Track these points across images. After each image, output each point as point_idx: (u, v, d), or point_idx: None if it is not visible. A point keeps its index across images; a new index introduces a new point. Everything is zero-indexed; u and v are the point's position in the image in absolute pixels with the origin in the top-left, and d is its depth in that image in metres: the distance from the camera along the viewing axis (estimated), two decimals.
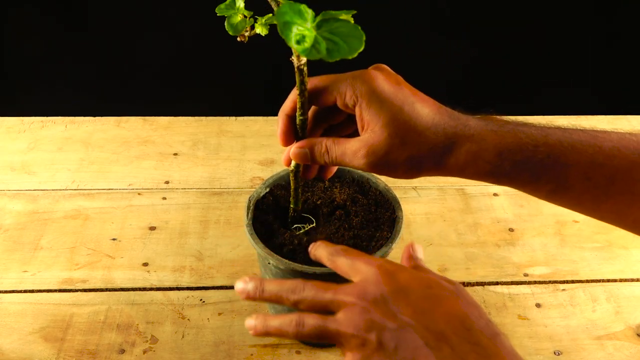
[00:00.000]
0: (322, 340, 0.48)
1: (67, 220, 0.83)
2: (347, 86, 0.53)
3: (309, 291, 0.49)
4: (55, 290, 0.73)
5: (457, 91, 1.44)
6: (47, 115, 1.01)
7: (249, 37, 0.55)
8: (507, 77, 1.50)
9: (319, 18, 0.46)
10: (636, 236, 0.57)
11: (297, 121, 0.56)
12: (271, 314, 0.49)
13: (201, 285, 0.74)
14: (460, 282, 0.75)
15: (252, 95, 1.46)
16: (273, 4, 0.49)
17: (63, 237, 0.80)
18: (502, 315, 0.72)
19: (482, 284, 0.76)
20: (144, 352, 0.67)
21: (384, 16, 1.39)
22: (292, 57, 0.51)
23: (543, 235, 0.82)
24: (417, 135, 0.52)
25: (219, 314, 0.71)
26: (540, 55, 1.49)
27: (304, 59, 0.51)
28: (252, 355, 0.67)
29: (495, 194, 0.88)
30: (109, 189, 0.88)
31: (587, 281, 0.76)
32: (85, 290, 0.74)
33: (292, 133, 0.57)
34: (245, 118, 1.01)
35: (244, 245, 0.79)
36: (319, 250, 0.55)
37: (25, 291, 0.73)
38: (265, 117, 1.01)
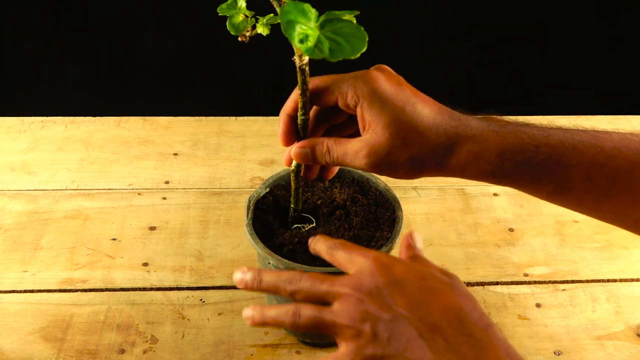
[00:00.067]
0: (318, 330, 0.48)
1: (67, 220, 0.83)
2: (349, 86, 0.53)
3: (306, 282, 0.50)
4: (55, 290, 0.73)
5: (460, 93, 1.44)
6: (47, 115, 1.01)
7: (249, 37, 0.55)
8: (510, 80, 1.50)
9: (322, 18, 0.46)
10: (636, 236, 0.57)
11: (299, 121, 0.56)
12: (268, 305, 0.50)
13: (201, 285, 0.74)
14: None
15: (252, 95, 1.46)
16: (275, 4, 0.49)
17: (63, 237, 0.80)
18: (502, 315, 0.72)
19: (482, 284, 0.76)
20: (144, 352, 0.67)
21: (387, 17, 1.39)
22: (294, 57, 0.51)
23: (543, 235, 0.82)
24: (418, 136, 0.52)
25: (219, 314, 0.71)
26: (543, 58, 1.49)
27: (306, 59, 0.51)
28: (252, 355, 0.67)
29: (495, 194, 0.88)
30: (109, 189, 0.88)
31: (587, 281, 0.76)
32: (85, 290, 0.74)
33: (294, 133, 0.57)
34: (245, 118, 1.01)
35: (244, 245, 0.79)
36: (318, 244, 0.55)
37: (25, 291, 0.73)
38: (265, 117, 1.01)
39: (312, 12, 0.45)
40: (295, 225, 0.65)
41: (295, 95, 0.55)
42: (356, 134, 0.55)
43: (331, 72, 0.54)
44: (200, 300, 0.73)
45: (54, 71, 1.46)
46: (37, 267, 0.76)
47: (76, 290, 0.74)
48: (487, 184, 0.56)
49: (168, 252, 0.78)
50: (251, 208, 0.65)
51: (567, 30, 1.45)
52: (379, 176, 0.69)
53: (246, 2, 0.53)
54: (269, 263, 0.61)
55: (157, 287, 0.74)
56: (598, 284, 0.76)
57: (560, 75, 1.51)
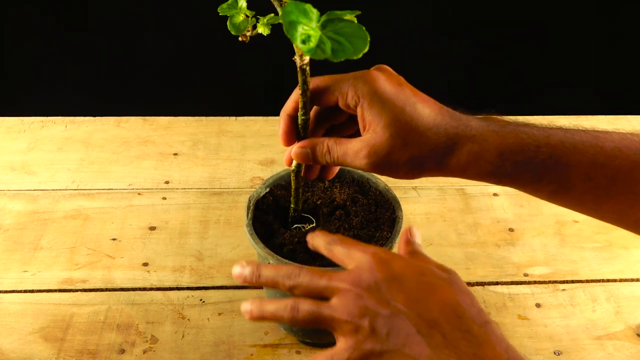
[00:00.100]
0: (316, 325, 0.48)
1: (67, 220, 0.83)
2: (349, 86, 0.53)
3: (304, 277, 0.49)
4: (55, 290, 0.73)
5: (459, 92, 1.45)
6: (47, 115, 1.01)
7: (250, 37, 0.55)
8: (510, 78, 1.50)
9: (323, 18, 0.46)
10: (636, 236, 0.57)
11: (299, 121, 0.56)
12: (267, 299, 0.50)
13: (201, 285, 0.74)
14: None
15: (252, 95, 1.46)
16: (276, 4, 0.49)
17: (63, 237, 0.80)
18: (502, 315, 0.72)
19: (482, 284, 0.76)
20: (144, 352, 0.67)
21: (386, 16, 1.39)
22: (295, 57, 0.51)
23: (543, 235, 0.82)
24: (418, 136, 0.52)
25: (219, 314, 0.71)
26: (542, 56, 1.49)
27: (306, 59, 0.51)
28: (252, 355, 0.67)
29: (495, 194, 0.88)
30: (109, 189, 0.88)
31: (587, 281, 0.76)
32: (85, 290, 0.74)
33: (294, 133, 0.57)
34: (245, 118, 1.01)
35: (244, 245, 0.79)
36: (316, 240, 0.55)
37: (25, 291, 0.73)
38: (265, 117, 1.01)
39: (314, 13, 0.45)
40: (295, 225, 0.65)
41: (295, 95, 0.55)
42: (357, 134, 0.55)
43: (331, 72, 0.54)
44: (200, 300, 0.73)
45: (54, 71, 1.46)
46: (37, 267, 0.76)
47: (76, 290, 0.73)
48: (487, 184, 0.56)
49: (168, 252, 0.78)
50: (251, 208, 0.65)
51: (566, 28, 1.46)
52: (379, 176, 0.69)
53: (247, 2, 0.53)
54: (268, 263, 0.61)
55: (157, 287, 0.74)
56: (598, 284, 0.76)
57: (560, 74, 1.51)
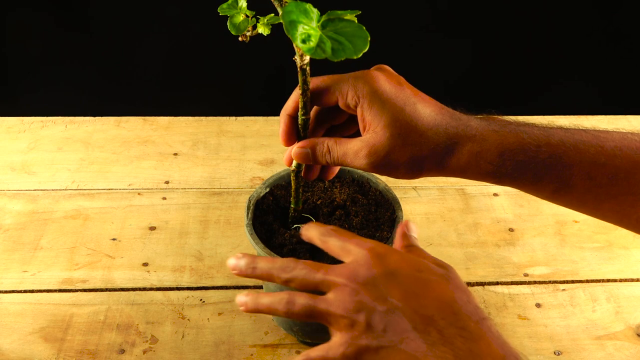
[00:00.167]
0: (311, 319, 0.48)
1: (67, 220, 0.83)
2: (349, 86, 0.53)
3: (300, 270, 0.49)
4: (55, 290, 0.73)
5: (458, 91, 1.45)
6: (47, 115, 1.01)
7: (250, 36, 0.55)
8: (509, 78, 1.50)
9: (324, 17, 0.46)
10: (636, 236, 0.57)
11: (299, 121, 0.56)
12: (262, 292, 0.50)
13: (201, 285, 0.74)
14: None
15: (252, 95, 1.46)
16: (277, 4, 0.49)
17: (63, 237, 0.80)
18: (502, 315, 0.72)
19: (482, 284, 0.76)
20: (144, 352, 0.67)
21: (387, 16, 1.39)
22: (295, 57, 0.51)
23: (543, 235, 0.82)
24: (418, 136, 0.52)
25: (219, 314, 0.71)
26: (542, 56, 1.49)
27: (307, 59, 0.51)
28: (252, 355, 0.67)
29: (495, 194, 0.88)
30: (109, 189, 0.88)
31: (587, 281, 0.76)
32: (85, 290, 0.74)
33: (294, 133, 0.57)
34: (245, 118, 1.01)
35: (244, 245, 0.79)
36: (311, 231, 0.54)
37: (25, 291, 0.73)
38: (265, 117, 1.01)
39: (314, 12, 0.45)
40: (295, 225, 0.65)
41: (295, 96, 0.55)
42: (357, 134, 0.55)
43: (332, 72, 0.54)
44: (200, 300, 0.73)
45: (54, 71, 1.46)
46: (37, 267, 0.76)
47: (76, 290, 0.73)
48: (487, 184, 0.56)
49: (168, 252, 0.78)
50: (251, 208, 0.65)
51: (566, 27, 1.45)
52: (379, 176, 0.69)
53: (247, 1, 0.53)
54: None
55: (157, 287, 0.74)
56: (598, 284, 0.76)
57: (560, 73, 1.51)
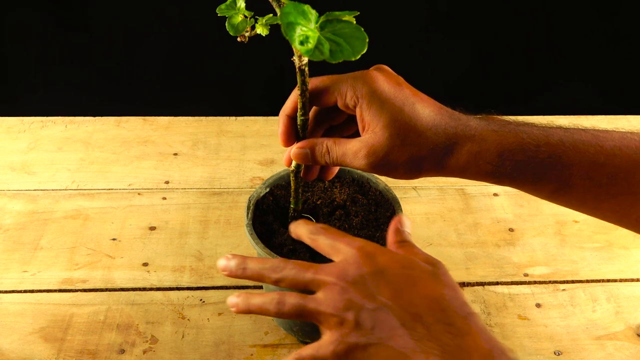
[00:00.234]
0: (301, 318, 0.49)
1: (67, 220, 0.83)
2: (348, 87, 0.53)
3: (290, 270, 0.50)
4: (55, 290, 0.73)
5: (458, 92, 1.45)
6: (47, 115, 1.01)
7: (249, 37, 0.55)
8: (509, 78, 1.50)
9: (322, 19, 0.46)
10: (636, 236, 0.57)
11: (298, 121, 0.56)
12: (253, 292, 0.50)
13: (201, 285, 0.74)
14: (460, 282, 0.75)
15: (252, 95, 1.46)
16: (275, 5, 0.49)
17: (63, 237, 0.80)
18: (502, 315, 0.72)
19: (482, 284, 0.76)
20: (144, 352, 0.67)
21: (386, 17, 1.39)
22: (294, 58, 0.51)
23: (543, 235, 0.82)
24: (417, 136, 0.52)
25: (219, 314, 0.71)
26: (542, 55, 1.49)
27: (305, 60, 0.51)
28: (252, 355, 0.67)
29: (495, 194, 0.88)
30: (109, 189, 0.88)
31: (587, 281, 0.76)
32: (85, 290, 0.74)
33: (293, 133, 0.57)
34: (245, 118, 1.01)
35: (244, 245, 0.79)
36: (300, 228, 0.55)
37: (25, 291, 0.73)
38: (265, 117, 1.01)
39: (312, 14, 0.45)
40: None
41: (294, 96, 0.55)
42: (356, 134, 0.55)
43: (331, 72, 0.54)
44: (200, 300, 0.73)
45: (54, 71, 1.46)
46: (37, 267, 0.76)
47: (76, 290, 0.74)
48: (487, 184, 0.56)
49: (168, 252, 0.79)
50: (251, 208, 0.65)
51: (566, 27, 1.45)
52: (378, 176, 0.69)
53: (245, 2, 0.53)
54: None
55: (157, 287, 0.74)
56: (598, 284, 0.76)
57: (560, 73, 1.51)
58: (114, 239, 0.80)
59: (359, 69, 0.54)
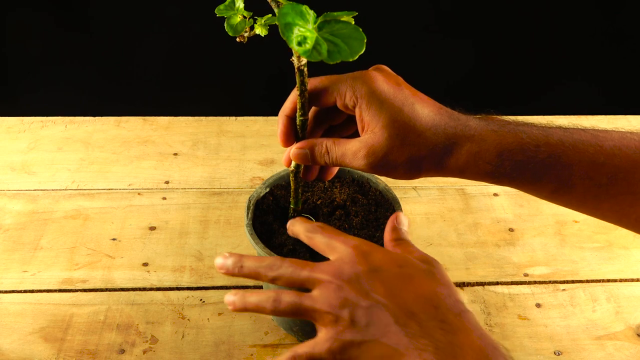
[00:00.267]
0: (297, 316, 0.49)
1: (67, 220, 0.83)
2: (347, 87, 0.53)
3: (287, 268, 0.50)
4: (55, 290, 0.73)
5: (460, 92, 1.45)
6: (47, 115, 1.01)
7: (248, 37, 0.55)
8: (509, 78, 1.50)
9: (320, 19, 0.46)
10: (636, 236, 0.57)
11: (297, 122, 0.56)
12: (250, 290, 0.51)
13: (201, 285, 0.74)
14: (460, 282, 0.75)
15: (252, 95, 1.46)
16: (273, 5, 0.49)
17: (63, 237, 0.80)
18: (502, 315, 0.72)
19: (482, 284, 0.75)
20: (144, 352, 0.67)
21: (389, 17, 1.39)
22: (293, 58, 0.51)
23: (543, 235, 0.82)
24: (416, 136, 0.52)
25: (219, 314, 0.71)
26: (542, 56, 1.49)
27: (304, 60, 0.51)
28: (252, 355, 0.67)
29: (495, 194, 0.88)
30: (109, 189, 0.88)
31: (587, 281, 0.76)
32: (85, 290, 0.74)
33: (293, 134, 0.57)
34: (245, 118, 1.01)
35: (244, 245, 0.79)
36: (296, 226, 0.56)
37: (25, 291, 0.73)
38: (265, 117, 1.01)
39: (310, 14, 0.45)
40: None
41: (293, 96, 0.55)
42: (355, 134, 0.55)
43: (330, 72, 0.54)
44: (200, 300, 0.73)
45: (54, 71, 1.46)
46: (37, 267, 0.76)
47: (76, 290, 0.74)
48: (487, 184, 0.56)
49: (168, 252, 0.79)
50: (251, 208, 0.65)
51: (566, 27, 1.45)
52: (379, 176, 0.69)
53: (244, 2, 0.53)
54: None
55: (157, 287, 0.74)
56: (598, 284, 0.76)
57: (560, 73, 1.51)
58: (114, 239, 0.80)
59: (359, 69, 0.54)
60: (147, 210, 0.84)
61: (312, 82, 0.54)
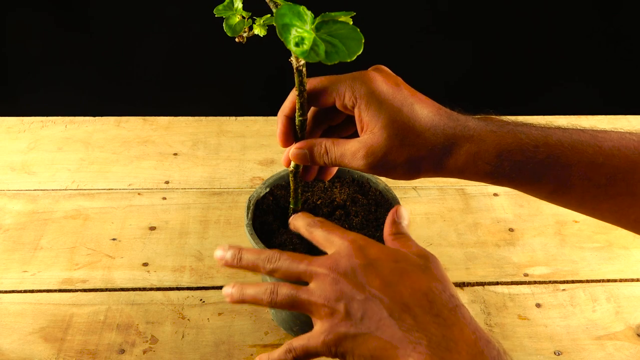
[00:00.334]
0: (294, 309, 0.50)
1: (67, 220, 0.83)
2: (346, 87, 0.53)
3: (284, 261, 0.51)
4: (55, 290, 0.73)
5: (459, 92, 1.44)
6: (47, 115, 1.01)
7: (247, 37, 0.55)
8: (509, 78, 1.50)
9: (318, 20, 0.46)
10: (636, 236, 0.57)
11: (297, 122, 0.56)
12: (248, 283, 0.52)
13: (201, 285, 0.74)
14: (460, 282, 0.75)
15: (252, 95, 1.46)
16: (272, 5, 0.49)
17: (63, 237, 0.80)
18: (502, 315, 0.72)
19: (482, 284, 0.75)
20: (144, 352, 0.67)
21: (387, 17, 1.39)
22: (291, 58, 0.51)
23: (543, 235, 0.82)
24: (416, 137, 0.52)
25: (219, 314, 0.71)
26: (542, 56, 1.49)
27: (302, 60, 0.51)
28: (252, 355, 0.67)
29: (495, 194, 0.88)
30: (109, 189, 0.88)
31: (587, 281, 0.76)
32: (85, 290, 0.74)
33: (292, 134, 0.57)
34: (245, 118, 1.01)
35: (243, 245, 0.79)
36: (298, 221, 0.57)
37: (25, 291, 0.73)
38: (265, 117, 1.01)
39: (308, 15, 0.45)
40: None
41: (292, 96, 0.55)
42: (355, 134, 0.55)
43: (329, 73, 0.54)
44: (200, 300, 0.73)
45: (54, 71, 1.46)
46: (37, 267, 0.76)
47: (76, 290, 0.74)
48: (487, 183, 0.56)
49: (168, 252, 0.79)
50: (251, 208, 0.65)
51: (566, 27, 1.45)
52: (378, 176, 0.69)
53: (243, 3, 0.53)
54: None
55: (157, 287, 0.74)
56: (598, 284, 0.76)
57: (560, 73, 1.51)
58: (114, 239, 0.80)
59: (358, 70, 0.54)
60: (147, 210, 0.84)
61: (311, 82, 0.54)
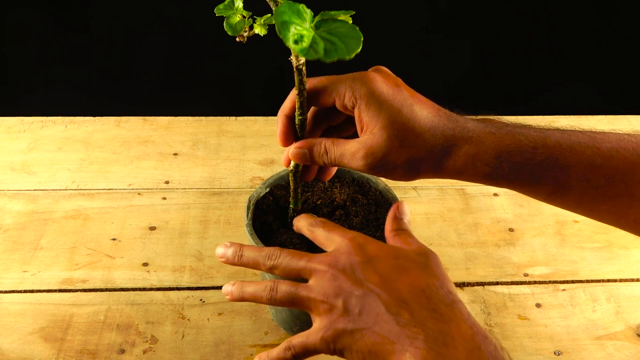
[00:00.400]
0: (293, 305, 0.51)
1: (67, 220, 0.83)
2: (346, 87, 0.53)
3: (284, 258, 0.52)
4: (55, 290, 0.73)
5: (458, 92, 1.44)
6: (47, 115, 1.01)
7: (248, 37, 0.55)
8: (509, 78, 1.50)
9: (317, 18, 0.46)
10: (636, 236, 0.57)
11: (296, 121, 0.56)
12: (248, 281, 0.53)
13: (201, 285, 0.74)
14: (460, 282, 0.75)
15: (252, 95, 1.46)
16: (272, 4, 0.49)
17: (63, 237, 0.80)
18: (502, 315, 0.72)
19: (482, 284, 0.76)
20: (144, 352, 0.67)
21: (386, 17, 1.39)
22: (291, 57, 0.51)
23: (543, 235, 0.82)
24: (415, 138, 0.52)
25: (219, 314, 0.71)
26: (542, 56, 1.49)
27: (302, 59, 0.51)
28: (252, 355, 0.67)
29: (495, 194, 0.88)
30: (109, 189, 0.88)
31: (587, 281, 0.76)
32: (85, 290, 0.74)
33: (292, 133, 0.57)
34: (245, 118, 1.01)
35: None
36: (301, 221, 0.58)
37: (25, 291, 0.73)
38: (265, 117, 1.01)
39: (307, 13, 0.45)
40: None
41: (292, 96, 0.55)
42: (354, 135, 0.55)
43: (329, 72, 0.54)
44: (200, 300, 0.73)
45: (54, 71, 1.46)
46: (37, 267, 0.76)
47: (76, 290, 0.74)
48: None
49: (168, 252, 0.79)
50: (251, 208, 0.65)
51: (566, 28, 1.45)
52: (378, 177, 0.69)
53: (243, 2, 0.53)
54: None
55: (157, 287, 0.74)
56: (598, 284, 0.76)
57: (560, 74, 1.51)
58: (114, 239, 0.80)
59: (357, 70, 0.54)
60: (147, 210, 0.84)
61: (311, 82, 0.54)
